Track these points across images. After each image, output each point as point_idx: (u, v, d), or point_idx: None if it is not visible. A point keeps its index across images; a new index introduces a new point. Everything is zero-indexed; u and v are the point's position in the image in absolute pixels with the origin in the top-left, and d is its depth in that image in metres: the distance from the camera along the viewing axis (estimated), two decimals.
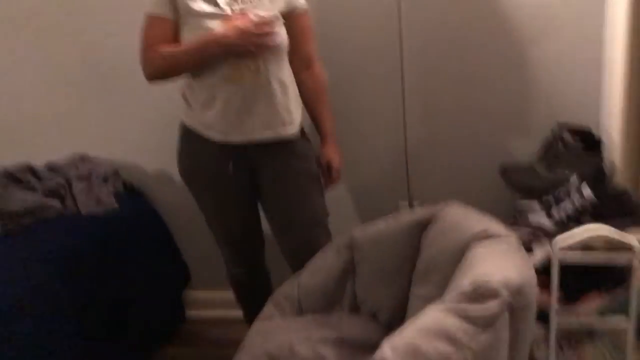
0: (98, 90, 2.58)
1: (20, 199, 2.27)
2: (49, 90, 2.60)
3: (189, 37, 1.86)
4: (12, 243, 2.15)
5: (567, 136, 2.07)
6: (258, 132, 1.91)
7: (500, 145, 2.40)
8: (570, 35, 2.23)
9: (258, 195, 2.07)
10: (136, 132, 2.60)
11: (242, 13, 1.83)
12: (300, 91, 2.03)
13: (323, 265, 1.93)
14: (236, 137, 1.91)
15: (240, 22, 1.79)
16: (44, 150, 2.58)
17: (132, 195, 2.53)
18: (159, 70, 1.90)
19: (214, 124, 1.90)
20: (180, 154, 2.03)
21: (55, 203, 2.31)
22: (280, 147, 1.97)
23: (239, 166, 1.96)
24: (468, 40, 2.32)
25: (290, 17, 1.93)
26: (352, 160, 2.34)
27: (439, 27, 2.32)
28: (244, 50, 1.80)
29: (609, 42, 2.14)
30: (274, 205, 2.06)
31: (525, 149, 2.32)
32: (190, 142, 1.98)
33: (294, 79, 2.00)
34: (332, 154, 2.12)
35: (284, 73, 1.94)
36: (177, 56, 1.86)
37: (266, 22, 1.80)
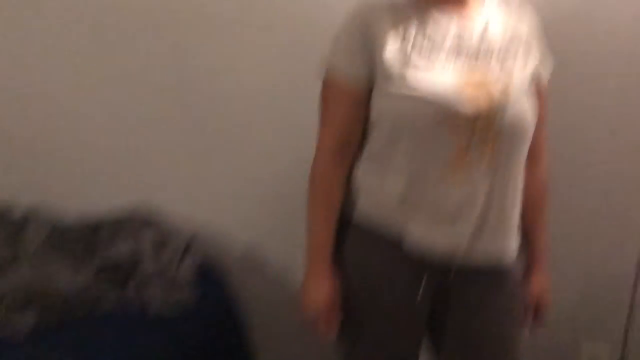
0: (183, 123, 1.93)
1: (65, 280, 1.61)
2: (118, 116, 1.94)
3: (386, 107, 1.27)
4: (44, 345, 1.49)
5: None
6: (480, 252, 1.30)
7: None
8: None
9: (432, 329, 1.42)
10: (226, 190, 1.95)
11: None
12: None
13: None
14: (445, 255, 1.30)
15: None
16: (99, 195, 1.93)
17: (210, 281, 1.86)
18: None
19: (415, 230, 1.29)
20: (353, 265, 1.37)
21: (110, 292, 1.65)
22: (491, 276, 1.35)
23: (427, 291, 1.34)
24: None
25: (533, 89, 1.34)
26: None
27: None
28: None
29: None
30: (460, 348, 1.41)
31: None
32: (368, 247, 1.35)
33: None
34: (544, 286, 1.49)
35: (521, 174, 1.33)
36: (309, 211, 1.36)
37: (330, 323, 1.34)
